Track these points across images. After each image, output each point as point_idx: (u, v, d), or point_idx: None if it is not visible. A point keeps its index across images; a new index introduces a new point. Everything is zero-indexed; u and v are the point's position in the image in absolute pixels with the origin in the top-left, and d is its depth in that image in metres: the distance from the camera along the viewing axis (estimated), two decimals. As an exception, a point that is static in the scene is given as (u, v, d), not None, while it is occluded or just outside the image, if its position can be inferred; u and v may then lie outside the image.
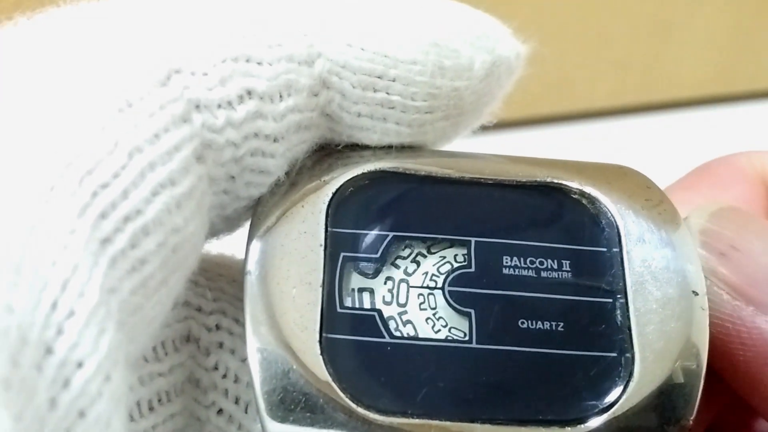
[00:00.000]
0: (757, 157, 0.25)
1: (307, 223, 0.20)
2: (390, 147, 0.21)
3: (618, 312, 0.20)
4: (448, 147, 0.22)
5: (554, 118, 0.61)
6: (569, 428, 0.19)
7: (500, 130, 0.23)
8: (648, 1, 0.60)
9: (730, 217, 0.21)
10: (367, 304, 0.20)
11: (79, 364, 0.15)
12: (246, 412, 0.21)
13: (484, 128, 0.23)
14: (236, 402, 0.21)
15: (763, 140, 0.58)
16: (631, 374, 0.19)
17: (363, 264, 0.20)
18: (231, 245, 0.22)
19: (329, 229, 0.20)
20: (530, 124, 0.60)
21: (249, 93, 0.19)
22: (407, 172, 0.21)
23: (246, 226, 0.21)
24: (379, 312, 0.20)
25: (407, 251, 0.20)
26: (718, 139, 0.61)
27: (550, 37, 0.60)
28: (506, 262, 0.20)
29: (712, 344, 0.20)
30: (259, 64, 0.19)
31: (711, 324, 0.20)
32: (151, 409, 0.20)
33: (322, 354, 0.19)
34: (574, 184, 0.21)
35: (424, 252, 0.21)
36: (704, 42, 0.62)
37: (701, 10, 0.61)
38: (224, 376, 0.21)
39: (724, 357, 0.20)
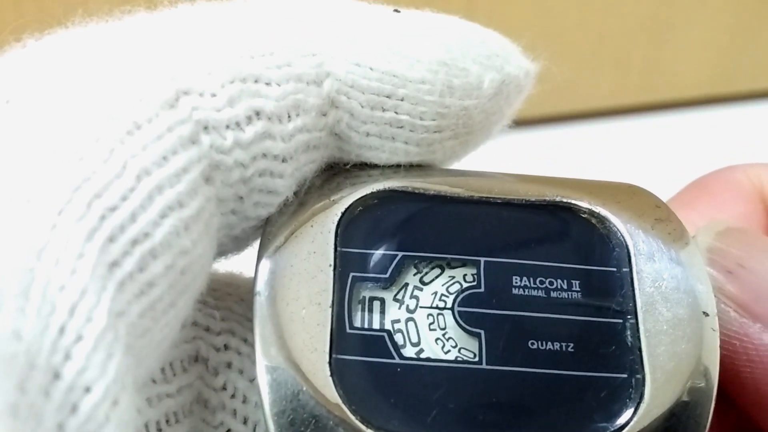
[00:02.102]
0: (754, 172, 0.25)
1: (316, 243, 0.20)
2: (399, 166, 0.21)
3: (628, 333, 0.20)
4: (457, 164, 0.22)
5: (554, 118, 0.61)
6: None
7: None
8: (648, 1, 0.60)
9: (736, 236, 0.21)
10: (376, 325, 0.20)
11: (87, 389, 0.15)
12: None
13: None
14: (244, 422, 0.21)
15: (763, 140, 0.58)
16: (641, 396, 0.19)
17: (372, 284, 0.20)
18: (241, 263, 0.22)
19: (338, 248, 0.20)
20: (530, 124, 0.59)
21: (257, 113, 0.19)
22: (416, 191, 0.21)
23: (255, 246, 0.20)
24: (389, 332, 0.20)
25: (416, 271, 0.20)
26: (718, 139, 0.61)
27: (550, 37, 0.60)
28: (516, 282, 0.20)
29: (719, 362, 0.20)
30: (267, 84, 0.19)
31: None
32: (159, 430, 0.20)
33: (331, 375, 0.18)
34: (583, 204, 0.21)
35: (434, 272, 0.20)
36: (704, 42, 0.62)
37: (701, 10, 0.61)
38: (233, 396, 0.21)
39: (732, 375, 0.20)
